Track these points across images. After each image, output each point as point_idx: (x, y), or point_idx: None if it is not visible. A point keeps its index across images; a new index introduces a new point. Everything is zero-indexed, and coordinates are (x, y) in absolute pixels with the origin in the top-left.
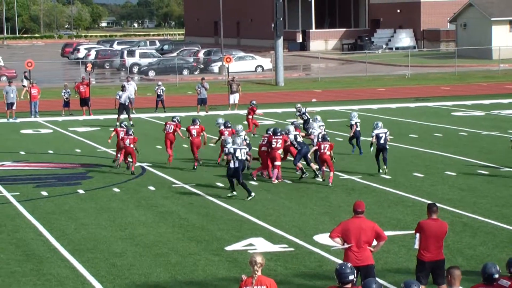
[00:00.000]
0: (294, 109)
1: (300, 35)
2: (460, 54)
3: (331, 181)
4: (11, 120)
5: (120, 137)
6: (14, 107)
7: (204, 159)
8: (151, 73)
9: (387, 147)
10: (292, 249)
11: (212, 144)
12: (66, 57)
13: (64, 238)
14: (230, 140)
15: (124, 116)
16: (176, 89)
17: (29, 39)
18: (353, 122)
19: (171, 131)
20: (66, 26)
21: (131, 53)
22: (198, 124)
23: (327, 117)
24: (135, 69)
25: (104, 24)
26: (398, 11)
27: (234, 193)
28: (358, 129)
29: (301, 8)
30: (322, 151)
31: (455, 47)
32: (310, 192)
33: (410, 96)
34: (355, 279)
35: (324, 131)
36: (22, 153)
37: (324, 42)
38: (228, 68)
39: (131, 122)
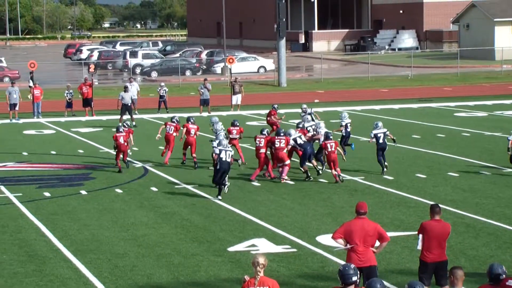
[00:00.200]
0: (298, 110)
1: (303, 36)
2: (463, 54)
3: (337, 179)
4: (14, 120)
5: (114, 136)
6: (17, 108)
7: (204, 160)
8: (154, 74)
9: (386, 147)
10: (294, 250)
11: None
12: (69, 58)
13: (66, 239)
14: (216, 142)
15: (126, 116)
16: (178, 90)
17: (32, 40)
18: (343, 123)
19: (172, 132)
20: (68, 27)
21: (133, 54)
22: (195, 123)
23: (329, 118)
24: (138, 70)
25: (107, 25)
26: (401, 11)
27: (219, 197)
28: (349, 129)
29: (303, 9)
30: (330, 150)
31: (458, 48)
32: (313, 193)
33: (413, 97)
34: (358, 280)
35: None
36: (25, 153)
37: (326, 43)
38: (230, 69)
39: (134, 123)
